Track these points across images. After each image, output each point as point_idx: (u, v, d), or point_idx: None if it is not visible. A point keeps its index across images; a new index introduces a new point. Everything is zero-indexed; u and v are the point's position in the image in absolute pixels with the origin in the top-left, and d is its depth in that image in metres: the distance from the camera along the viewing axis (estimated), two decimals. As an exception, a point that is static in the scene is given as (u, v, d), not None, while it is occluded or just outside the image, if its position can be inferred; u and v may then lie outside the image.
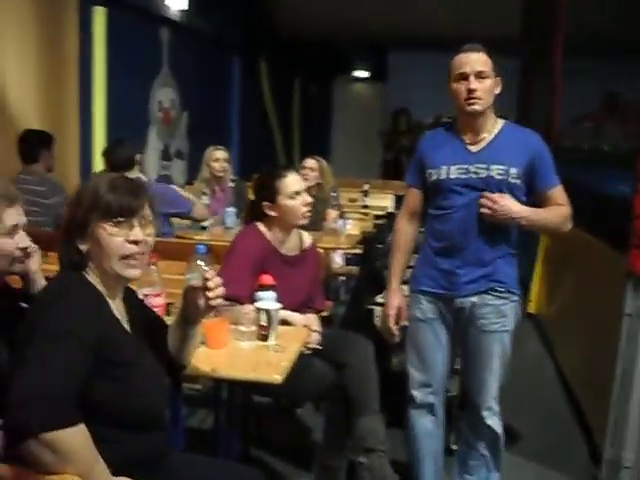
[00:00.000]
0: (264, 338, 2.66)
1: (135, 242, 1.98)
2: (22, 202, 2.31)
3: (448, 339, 3.03)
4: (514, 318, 2.96)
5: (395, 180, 10.28)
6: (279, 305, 2.70)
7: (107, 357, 1.86)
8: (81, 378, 1.75)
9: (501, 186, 2.81)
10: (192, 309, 2.14)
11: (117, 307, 2.05)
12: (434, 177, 2.90)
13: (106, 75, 6.33)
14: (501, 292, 2.90)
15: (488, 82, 2.79)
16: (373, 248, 4.23)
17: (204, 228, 5.27)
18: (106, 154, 4.81)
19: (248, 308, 2.74)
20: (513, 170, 2.81)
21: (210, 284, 2.08)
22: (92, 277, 1.99)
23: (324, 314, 4.29)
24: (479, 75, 2.76)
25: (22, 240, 2.29)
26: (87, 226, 1.95)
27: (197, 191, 5.64)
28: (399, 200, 8.80)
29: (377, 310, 3.68)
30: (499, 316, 2.90)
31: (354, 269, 5.66)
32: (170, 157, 8.39)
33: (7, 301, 2.32)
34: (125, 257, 1.97)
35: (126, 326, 2.06)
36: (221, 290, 2.09)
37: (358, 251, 5.40)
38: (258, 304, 2.69)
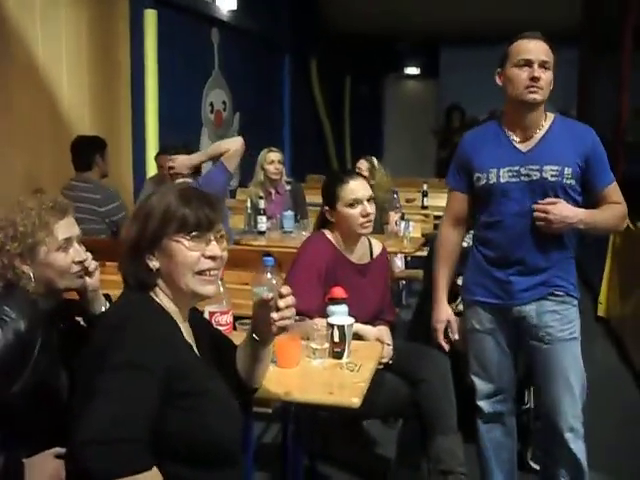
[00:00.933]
0: (338, 355, 2.49)
1: (212, 257, 1.84)
2: (74, 211, 2.18)
3: (511, 347, 2.83)
4: (578, 321, 2.75)
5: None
6: (352, 320, 2.53)
7: (178, 387, 1.71)
8: (153, 415, 1.61)
9: (555, 188, 2.62)
10: (263, 327, 1.96)
11: (185, 329, 1.90)
12: (483, 181, 2.70)
13: (157, 78, 6.24)
14: (561, 296, 2.70)
15: (549, 74, 2.60)
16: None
17: (262, 233, 5.13)
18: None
19: (320, 323, 2.56)
20: (568, 170, 2.61)
21: (281, 304, 1.90)
22: (161, 297, 1.85)
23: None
24: (543, 65, 2.57)
25: (78, 254, 2.14)
26: (159, 241, 1.80)
27: (252, 195, 5.51)
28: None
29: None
30: (564, 322, 2.69)
31: (415, 272, 5.48)
32: (222, 159, 8.26)
33: (67, 321, 2.19)
34: (200, 273, 1.83)
35: (196, 350, 1.90)
36: (291, 312, 1.92)
37: (421, 254, 5.19)
38: (330, 319, 2.52)
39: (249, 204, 5.32)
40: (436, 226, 6.59)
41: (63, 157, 4.89)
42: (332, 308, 2.60)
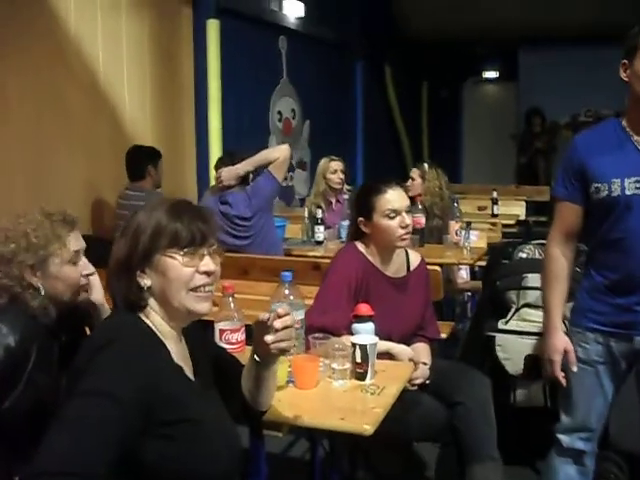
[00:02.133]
0: (360, 377, 2.34)
1: (207, 273, 1.74)
2: (79, 226, 2.18)
3: (613, 386, 2.52)
4: None
5: (530, 185, 9.76)
6: (376, 339, 2.37)
7: (161, 415, 1.60)
8: (117, 447, 1.49)
9: None
10: (262, 348, 1.84)
11: (178, 351, 1.78)
12: (603, 194, 2.33)
13: (221, 88, 6.21)
14: None
15: None
16: (497, 264, 3.82)
17: (319, 243, 5.02)
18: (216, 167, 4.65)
19: (343, 341, 2.42)
20: None
21: (277, 324, 1.77)
22: (152, 317, 1.75)
23: (443, 336, 3.97)
24: None
25: (86, 267, 2.14)
26: (152, 257, 1.71)
27: (311, 205, 5.41)
28: (533, 206, 8.37)
29: (499, 338, 3.28)
30: None
31: (480, 284, 5.27)
32: (292, 168, 8.21)
33: (72, 334, 2.15)
34: (195, 289, 1.73)
35: (189, 373, 1.79)
36: (288, 334, 1.79)
37: (484, 263, 4.99)
38: (353, 338, 2.37)
39: (306, 214, 5.22)
40: (505, 234, 6.38)
41: (123, 168, 4.93)
42: (357, 326, 2.46)
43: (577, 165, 2.42)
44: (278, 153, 4.39)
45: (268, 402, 1.98)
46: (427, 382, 2.76)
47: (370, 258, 2.84)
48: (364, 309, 2.48)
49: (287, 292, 2.36)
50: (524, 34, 10.82)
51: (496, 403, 2.92)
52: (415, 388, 2.69)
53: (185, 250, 1.71)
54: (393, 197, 2.81)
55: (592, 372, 2.48)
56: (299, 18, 7.89)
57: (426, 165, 5.42)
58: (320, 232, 5.01)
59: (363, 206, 2.86)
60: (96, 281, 2.19)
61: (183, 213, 1.75)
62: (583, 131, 2.56)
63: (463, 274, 5.42)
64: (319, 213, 5.03)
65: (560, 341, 2.49)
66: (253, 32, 7.14)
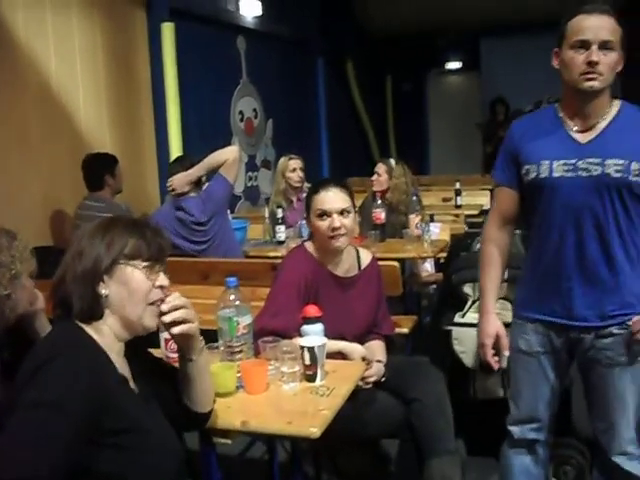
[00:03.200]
0: (310, 379, 2.33)
1: (161, 287, 1.80)
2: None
3: (558, 374, 2.52)
4: None
5: (495, 174, 9.79)
6: (324, 340, 2.36)
7: (108, 424, 1.63)
8: (62, 456, 1.51)
9: (620, 187, 2.28)
10: (178, 342, 1.90)
11: (121, 363, 1.79)
12: (532, 175, 2.36)
13: (179, 91, 6.17)
14: (629, 315, 2.36)
15: (613, 55, 2.26)
16: (455, 257, 3.83)
17: (281, 242, 5.01)
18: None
19: (292, 344, 2.42)
20: (636, 165, 2.27)
21: (163, 307, 1.80)
22: (100, 329, 1.75)
23: (405, 330, 3.98)
24: (603, 46, 2.23)
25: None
26: (115, 266, 1.74)
27: (273, 204, 5.40)
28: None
29: (455, 331, 3.29)
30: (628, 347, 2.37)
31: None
32: (257, 167, 8.20)
33: (15, 349, 2.12)
34: (152, 303, 1.78)
35: (132, 385, 1.79)
36: (182, 314, 1.80)
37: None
38: (301, 340, 2.36)
39: (267, 214, 5.21)
40: (471, 224, 6.39)
41: (81, 177, 4.88)
42: (305, 328, 2.45)
43: (512, 149, 2.46)
44: (227, 154, 4.40)
45: (206, 402, 1.98)
46: (383, 379, 2.76)
47: (318, 258, 2.83)
48: (312, 310, 2.47)
49: (232, 297, 2.35)
50: (485, 23, 10.85)
51: (456, 396, 2.94)
52: (370, 386, 2.69)
53: (146, 263, 1.77)
54: (324, 198, 2.80)
55: (535, 362, 2.49)
56: (257, 17, 7.85)
57: (392, 161, 5.41)
58: (281, 232, 4.99)
59: (305, 205, 2.89)
60: (39, 295, 2.18)
61: (145, 227, 1.82)
62: (520, 118, 2.57)
63: (427, 267, 5.43)
64: (279, 213, 5.02)
65: (492, 325, 2.51)
66: (210, 33, 7.10)
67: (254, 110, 8.10)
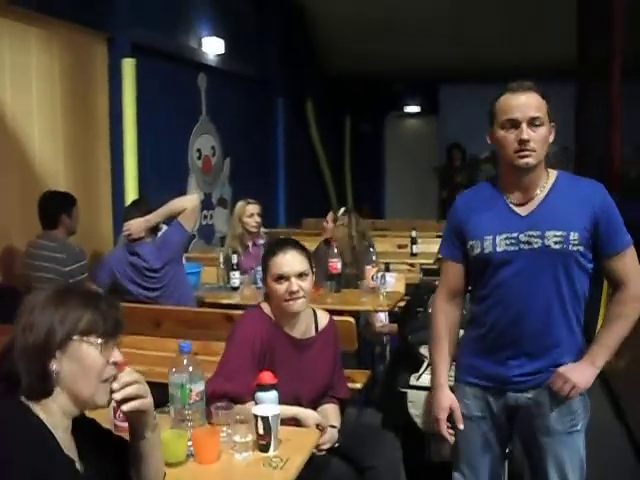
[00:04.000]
0: (263, 449, 2.26)
1: (115, 364, 1.72)
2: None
3: (499, 439, 2.52)
4: (584, 412, 2.43)
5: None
6: (278, 410, 2.30)
7: None
8: None
9: (562, 257, 2.31)
10: (130, 418, 1.81)
11: (66, 440, 1.70)
12: (477, 250, 2.39)
13: (138, 128, 6.10)
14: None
15: (543, 130, 2.30)
16: (409, 315, 3.80)
17: (235, 289, 4.94)
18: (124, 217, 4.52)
19: (245, 411, 2.35)
20: (574, 235, 2.29)
21: (114, 385, 1.72)
22: (46, 406, 1.66)
23: (357, 386, 3.92)
24: (532, 122, 2.28)
25: None
26: (68, 342, 1.66)
27: (228, 248, 5.34)
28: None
29: (410, 394, 3.26)
30: (565, 413, 2.39)
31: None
32: (213, 206, 8.13)
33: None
34: (105, 380, 1.70)
35: (78, 465, 1.71)
36: (127, 392, 1.72)
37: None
38: (255, 409, 2.30)
39: (222, 259, 5.14)
40: (426, 271, 6.39)
41: (34, 212, 4.77)
42: (260, 395, 2.38)
43: (456, 224, 2.49)
44: (187, 203, 4.33)
45: (157, 479, 1.89)
46: (337, 445, 2.70)
47: (275, 319, 2.77)
48: (267, 377, 2.41)
49: (185, 362, 2.28)
50: (444, 71, 11.02)
51: (411, 458, 2.90)
52: (323, 453, 2.63)
53: (101, 340, 1.69)
54: (282, 261, 2.74)
55: (475, 428, 2.50)
56: (219, 55, 7.84)
57: (342, 210, 5.42)
58: (236, 278, 4.93)
59: (262, 267, 2.83)
60: None
61: (101, 300, 1.74)
62: (463, 193, 2.62)
63: (381, 317, 5.40)
64: (234, 258, 4.95)
65: (445, 399, 2.50)
66: (171, 70, 7.06)
67: (212, 148, 8.06)
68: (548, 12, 9.02)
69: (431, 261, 6.49)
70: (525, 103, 2.29)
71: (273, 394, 2.39)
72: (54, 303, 1.68)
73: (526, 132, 2.27)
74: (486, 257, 2.37)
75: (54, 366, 1.65)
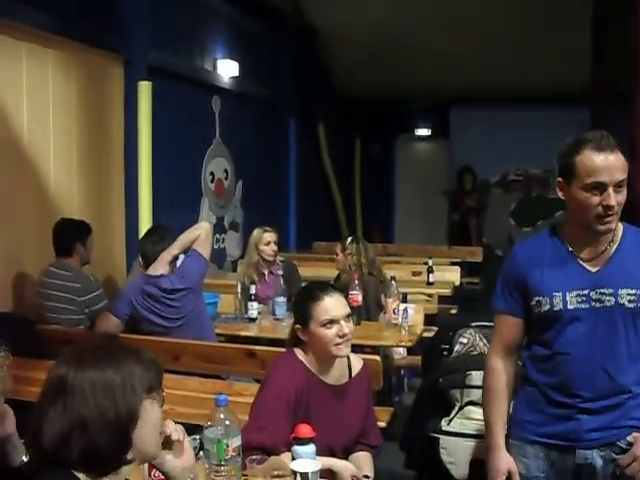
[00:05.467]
0: (301, 506, 2.16)
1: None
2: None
3: None
4: None
5: (462, 244, 9.81)
6: (318, 465, 2.20)
7: None
8: None
9: (634, 315, 2.23)
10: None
11: None
12: (545, 307, 2.28)
13: (152, 150, 6.04)
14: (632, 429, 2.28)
15: (625, 191, 2.18)
16: (435, 353, 3.71)
17: (253, 320, 4.84)
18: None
19: (281, 464, 2.24)
20: None
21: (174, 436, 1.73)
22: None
23: (382, 425, 3.81)
24: (618, 185, 2.15)
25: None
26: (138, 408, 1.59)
27: (243, 277, 5.25)
28: (468, 269, 8.36)
29: (443, 440, 3.15)
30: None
31: (417, 360, 5.15)
32: (225, 229, 8.04)
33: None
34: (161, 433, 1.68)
35: None
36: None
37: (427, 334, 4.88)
38: (293, 465, 2.19)
39: (239, 288, 5.04)
40: (442, 299, 6.29)
41: (48, 240, 4.69)
42: (297, 449, 2.28)
43: (518, 277, 2.38)
44: (199, 230, 4.30)
45: None
46: (370, 498, 2.60)
47: (310, 366, 2.66)
48: (304, 430, 2.30)
49: (222, 416, 2.18)
50: (456, 94, 10.96)
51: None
52: (357, 505, 2.52)
53: (160, 395, 1.65)
54: (330, 305, 2.65)
55: None
56: (233, 77, 7.78)
57: (349, 239, 5.37)
58: (253, 309, 4.84)
59: (300, 313, 2.70)
60: (7, 412, 1.99)
61: (140, 352, 1.66)
62: (522, 242, 2.50)
63: (400, 350, 5.31)
64: (252, 289, 4.86)
65: (503, 462, 2.38)
66: (186, 92, 7.00)
67: (225, 171, 7.98)
68: (561, 37, 8.95)
69: (448, 290, 6.40)
70: (614, 166, 2.15)
71: (311, 448, 2.28)
72: (112, 369, 1.57)
73: (613, 198, 2.15)
74: (556, 314, 2.28)
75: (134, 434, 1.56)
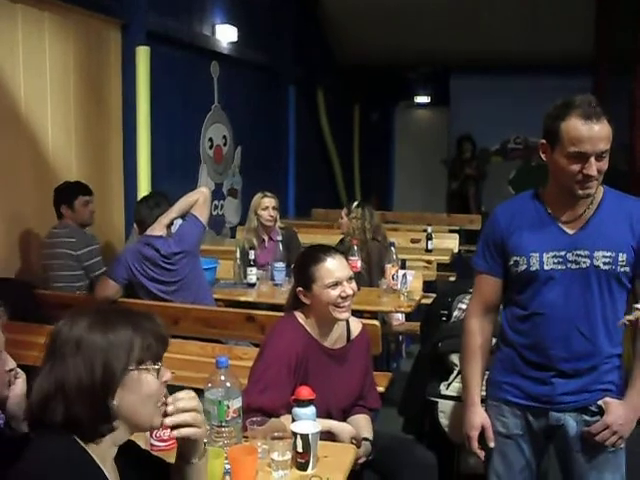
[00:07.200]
0: (302, 467, 2.18)
1: (165, 383, 1.65)
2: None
3: (536, 457, 2.46)
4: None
5: (461, 212, 9.80)
6: (318, 427, 2.22)
7: None
8: None
9: (608, 278, 2.25)
10: (179, 443, 1.73)
11: (111, 470, 1.62)
12: (522, 267, 2.31)
13: (151, 116, 5.98)
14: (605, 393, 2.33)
15: (606, 160, 2.19)
16: (434, 319, 3.70)
17: (252, 285, 4.85)
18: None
19: (282, 426, 2.26)
20: (622, 256, 2.25)
21: (169, 409, 1.63)
22: (99, 440, 1.57)
23: (381, 390, 3.83)
24: (600, 154, 2.16)
25: (6, 363, 1.93)
26: (125, 375, 1.56)
27: (243, 242, 5.25)
28: (466, 237, 8.35)
29: (441, 404, 3.17)
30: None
31: (415, 325, 5.17)
32: (223, 196, 8.01)
33: None
34: (158, 402, 1.63)
35: None
36: (181, 418, 1.63)
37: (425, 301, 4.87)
38: (293, 427, 2.21)
39: (238, 254, 5.04)
40: (442, 264, 6.29)
41: (48, 203, 4.72)
42: (297, 411, 2.30)
43: (496, 238, 2.41)
44: (198, 194, 4.34)
45: None
46: (370, 458, 2.62)
47: (310, 330, 2.67)
48: (305, 392, 2.32)
49: (223, 378, 2.19)
50: (455, 61, 10.88)
51: (440, 470, 2.82)
52: (357, 467, 2.54)
53: (156, 366, 1.60)
54: (333, 266, 2.65)
55: (514, 445, 2.44)
56: (232, 43, 7.70)
57: (355, 203, 5.33)
58: (252, 274, 4.84)
59: (302, 275, 2.70)
60: (20, 375, 2.00)
61: (142, 319, 1.62)
62: (503, 204, 2.50)
63: (398, 316, 5.33)
64: (252, 254, 4.86)
65: (477, 417, 2.46)
66: (184, 58, 6.93)
67: (224, 137, 7.93)
68: (565, 3, 8.88)
69: (446, 257, 6.41)
70: (598, 136, 2.14)
71: (311, 410, 2.30)
72: (101, 333, 1.56)
73: (594, 167, 2.16)
74: (532, 274, 2.31)
75: (114, 402, 1.55)
